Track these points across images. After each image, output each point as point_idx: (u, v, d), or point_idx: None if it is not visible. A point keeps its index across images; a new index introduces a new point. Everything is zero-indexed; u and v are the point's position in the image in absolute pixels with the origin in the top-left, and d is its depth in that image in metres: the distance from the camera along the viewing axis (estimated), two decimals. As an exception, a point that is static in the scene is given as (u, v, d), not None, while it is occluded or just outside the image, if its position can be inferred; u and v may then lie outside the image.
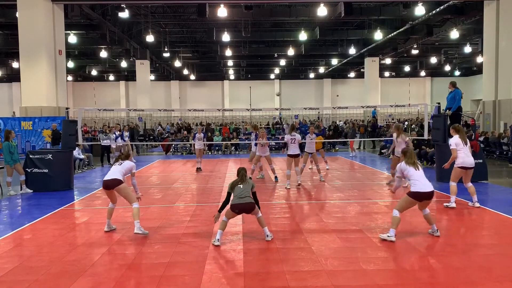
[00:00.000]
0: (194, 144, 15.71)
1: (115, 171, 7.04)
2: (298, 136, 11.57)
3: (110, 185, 6.90)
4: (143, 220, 7.93)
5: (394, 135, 11.12)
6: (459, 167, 8.60)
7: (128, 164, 7.24)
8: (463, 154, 8.55)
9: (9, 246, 6.60)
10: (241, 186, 6.54)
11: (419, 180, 6.37)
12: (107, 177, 6.98)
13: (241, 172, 6.70)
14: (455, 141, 8.63)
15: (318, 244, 6.36)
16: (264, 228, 6.64)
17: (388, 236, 6.37)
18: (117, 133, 18.49)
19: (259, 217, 6.64)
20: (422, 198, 6.34)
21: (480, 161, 11.72)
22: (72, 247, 6.45)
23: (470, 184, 8.77)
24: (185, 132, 25.33)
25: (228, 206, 6.53)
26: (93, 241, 6.76)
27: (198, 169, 15.19)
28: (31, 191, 11.23)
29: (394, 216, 6.38)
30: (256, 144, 12.78)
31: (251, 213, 6.56)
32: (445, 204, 8.73)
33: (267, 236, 6.60)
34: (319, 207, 9.12)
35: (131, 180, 7.42)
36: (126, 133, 19.51)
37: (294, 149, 11.40)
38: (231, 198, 6.56)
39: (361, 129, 25.22)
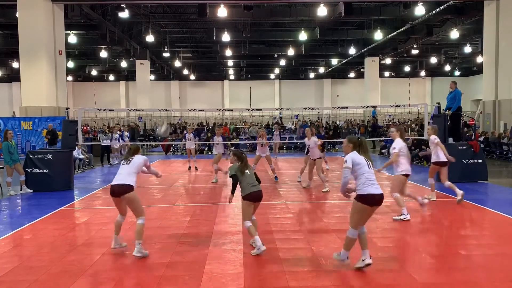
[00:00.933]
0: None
1: (124, 174, 5.91)
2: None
3: (117, 192, 5.84)
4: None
5: (435, 136, 9.12)
6: (404, 174, 7.70)
7: (138, 159, 6.09)
8: (406, 160, 7.75)
9: (9, 246, 6.60)
10: (249, 172, 6.04)
11: (371, 180, 5.09)
12: (114, 181, 5.90)
13: (244, 157, 6.11)
14: (399, 145, 7.75)
15: (318, 244, 6.36)
16: (256, 237, 5.92)
17: (339, 254, 5.27)
18: (118, 133, 18.51)
19: (253, 220, 6.12)
20: (373, 202, 5.05)
21: (480, 161, 11.74)
22: (72, 247, 6.44)
23: (408, 192, 7.97)
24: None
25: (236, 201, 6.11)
26: (93, 241, 6.76)
27: (189, 168, 15.65)
28: (31, 191, 11.23)
29: (348, 236, 5.19)
30: (225, 146, 13.11)
31: (258, 205, 6.11)
32: (395, 217, 7.71)
33: (258, 248, 5.87)
34: (319, 207, 9.12)
35: (149, 169, 6.34)
36: (126, 133, 19.52)
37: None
38: (241, 186, 6.02)
39: (361, 129, 25.23)
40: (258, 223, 6.83)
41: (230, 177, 6.10)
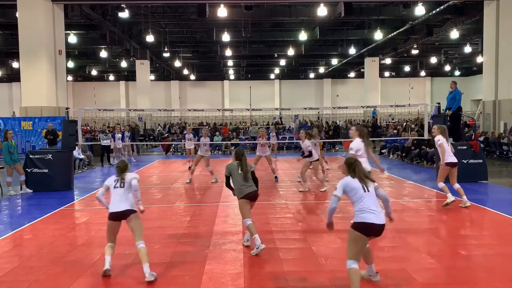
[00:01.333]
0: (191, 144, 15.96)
1: (123, 199, 5.44)
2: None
3: (121, 216, 5.42)
4: (144, 220, 7.92)
5: (439, 138, 8.71)
6: None
7: (129, 179, 5.57)
8: (365, 159, 7.57)
9: (9, 246, 6.61)
10: (248, 175, 6.17)
11: (369, 206, 4.43)
12: (115, 209, 5.39)
13: (243, 158, 6.21)
14: (356, 145, 7.61)
15: (318, 244, 6.36)
16: (256, 236, 5.98)
17: None
18: (120, 133, 18.51)
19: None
20: (370, 232, 4.42)
21: (480, 161, 11.73)
22: (72, 247, 6.45)
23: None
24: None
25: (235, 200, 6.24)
26: (93, 241, 6.77)
27: (189, 168, 15.51)
28: (31, 191, 11.23)
29: (349, 268, 4.45)
30: (210, 145, 13.13)
31: (253, 204, 6.28)
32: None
33: (257, 247, 5.89)
34: (319, 207, 9.12)
35: (135, 192, 5.64)
36: (127, 134, 19.54)
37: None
38: (233, 184, 6.22)
39: (362, 129, 25.18)
40: (258, 223, 6.88)
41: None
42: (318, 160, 10.94)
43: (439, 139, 8.55)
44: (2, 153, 11.13)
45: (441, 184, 8.60)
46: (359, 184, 4.53)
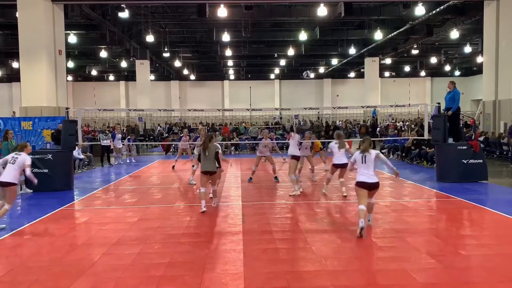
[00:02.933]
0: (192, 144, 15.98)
1: (11, 173, 7.29)
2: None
3: (2, 185, 7.27)
4: (144, 220, 7.97)
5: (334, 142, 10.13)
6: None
7: (22, 159, 7.42)
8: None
9: (9, 246, 6.61)
10: (207, 153, 8.42)
11: (361, 171, 6.90)
12: (2, 178, 7.29)
13: (211, 142, 8.50)
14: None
15: (318, 244, 6.36)
16: (214, 199, 8.89)
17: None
18: (119, 135, 18.49)
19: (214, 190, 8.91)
20: (361, 186, 6.85)
21: (480, 161, 11.72)
22: (72, 247, 6.45)
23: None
24: (186, 131, 25.27)
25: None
26: (93, 241, 6.77)
27: (173, 167, 15.90)
28: (31, 191, 11.23)
29: (359, 209, 6.74)
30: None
31: (212, 178, 8.69)
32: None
33: (214, 203, 8.81)
34: (319, 207, 9.12)
35: (25, 172, 7.55)
36: (132, 140, 19.53)
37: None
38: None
39: (362, 129, 25.18)
40: (259, 222, 7.05)
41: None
42: (294, 159, 10.15)
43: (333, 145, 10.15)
44: (2, 153, 11.12)
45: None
46: (360, 158, 6.97)
